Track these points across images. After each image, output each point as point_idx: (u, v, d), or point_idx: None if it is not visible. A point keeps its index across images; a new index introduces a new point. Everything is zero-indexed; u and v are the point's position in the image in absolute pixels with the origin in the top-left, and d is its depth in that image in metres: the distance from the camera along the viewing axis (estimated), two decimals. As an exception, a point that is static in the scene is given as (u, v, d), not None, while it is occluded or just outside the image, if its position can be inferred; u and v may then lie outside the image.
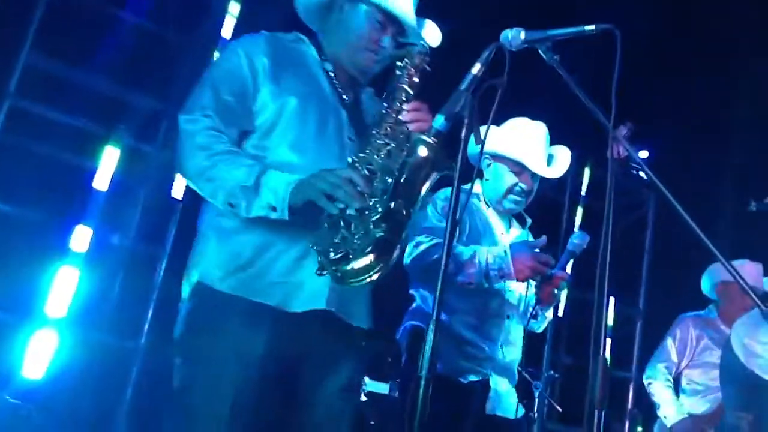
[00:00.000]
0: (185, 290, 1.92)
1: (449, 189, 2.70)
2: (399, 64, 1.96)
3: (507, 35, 1.88)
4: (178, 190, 4.14)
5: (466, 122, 1.71)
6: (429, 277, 2.52)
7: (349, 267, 1.73)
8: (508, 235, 2.81)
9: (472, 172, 1.73)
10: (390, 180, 1.78)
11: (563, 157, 2.82)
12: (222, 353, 1.79)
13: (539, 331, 2.85)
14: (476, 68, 1.76)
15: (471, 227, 2.72)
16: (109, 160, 3.83)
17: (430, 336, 1.60)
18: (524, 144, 2.74)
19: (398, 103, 1.90)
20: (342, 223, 1.77)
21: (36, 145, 3.73)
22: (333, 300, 1.86)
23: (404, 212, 1.77)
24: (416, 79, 1.93)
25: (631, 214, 6.55)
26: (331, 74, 2.04)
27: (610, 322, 5.84)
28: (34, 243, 3.60)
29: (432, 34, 2.13)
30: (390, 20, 2.03)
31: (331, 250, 1.75)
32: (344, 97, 2.04)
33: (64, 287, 3.60)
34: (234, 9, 4.25)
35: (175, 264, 4.01)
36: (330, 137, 1.95)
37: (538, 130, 2.78)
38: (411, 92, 1.91)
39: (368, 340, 2.00)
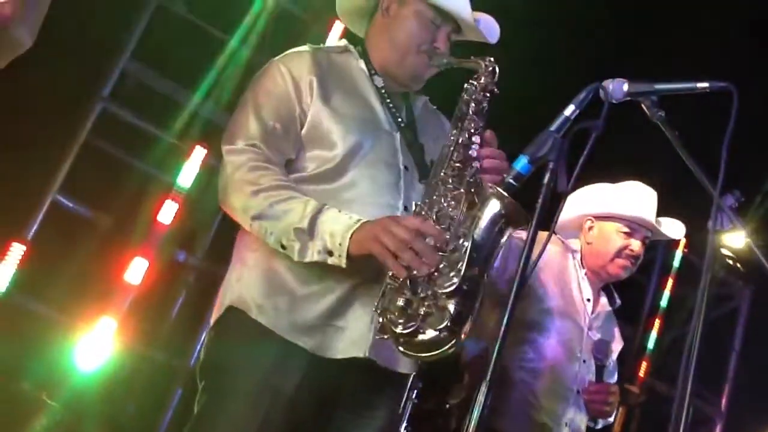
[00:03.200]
0: (215, 315, 1.78)
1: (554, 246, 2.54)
2: (465, 86, 1.76)
3: (608, 85, 1.72)
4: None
5: (551, 167, 1.55)
6: None
7: (416, 340, 1.56)
8: (591, 303, 2.58)
9: (550, 222, 1.54)
10: (466, 244, 1.57)
11: (675, 226, 2.62)
12: (250, 388, 1.65)
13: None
14: (570, 110, 1.60)
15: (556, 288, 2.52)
16: (188, 176, 3.83)
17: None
18: (639, 203, 2.56)
19: (467, 135, 1.71)
20: (408, 283, 1.58)
21: (119, 151, 3.76)
22: (375, 347, 1.69)
23: (480, 280, 1.58)
24: (485, 105, 1.74)
25: (721, 306, 6.14)
26: (383, 91, 1.86)
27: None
28: (102, 247, 3.60)
29: (491, 31, 1.91)
30: (444, 18, 1.83)
31: (397, 318, 1.56)
32: (398, 117, 1.85)
33: (122, 296, 3.56)
34: (331, 41, 4.23)
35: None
36: (383, 165, 1.77)
37: (652, 193, 2.60)
38: (480, 123, 1.73)
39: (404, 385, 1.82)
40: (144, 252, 3.60)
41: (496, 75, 1.76)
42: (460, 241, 1.59)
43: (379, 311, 1.60)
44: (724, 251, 5.84)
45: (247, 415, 1.64)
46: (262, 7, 4.02)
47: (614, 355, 2.68)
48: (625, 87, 1.72)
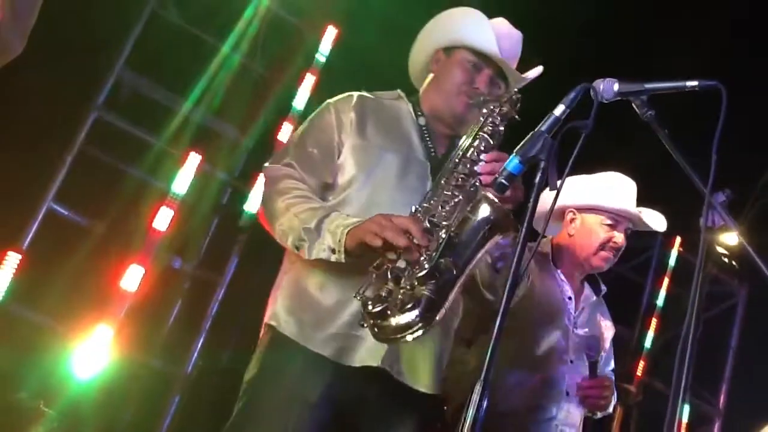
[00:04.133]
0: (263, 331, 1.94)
1: None
2: (484, 110, 1.86)
3: (599, 85, 1.73)
4: (246, 221, 4.10)
5: (543, 166, 1.56)
6: None
7: (387, 323, 1.63)
8: (574, 301, 2.59)
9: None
10: (443, 234, 1.67)
11: (656, 217, 2.62)
12: (281, 395, 1.78)
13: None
14: (559, 110, 1.61)
15: (537, 288, 2.52)
16: (183, 183, 3.82)
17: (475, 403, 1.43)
18: (622, 195, 2.56)
19: (476, 153, 1.80)
20: (389, 275, 1.67)
21: (114, 159, 3.76)
22: (390, 358, 1.80)
23: (454, 271, 1.65)
24: (501, 128, 1.83)
25: (718, 305, 6.15)
26: (424, 128, 2.01)
27: (686, 418, 5.41)
28: (97, 255, 3.60)
29: (534, 73, 2.05)
30: (486, 62, 1.98)
31: (370, 302, 1.65)
32: (432, 149, 1.99)
33: (118, 304, 3.56)
34: (324, 47, 4.25)
35: (231, 294, 3.95)
36: (409, 190, 1.89)
37: (632, 185, 2.61)
38: (492, 142, 1.81)
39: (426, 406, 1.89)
40: (140, 259, 3.60)
41: (518, 105, 1.86)
42: (439, 232, 1.67)
43: (356, 296, 1.69)
44: (720, 249, 5.87)
45: (273, 424, 1.77)
46: (254, 13, 4.03)
47: (607, 343, 2.67)
48: (616, 87, 1.73)
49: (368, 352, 1.79)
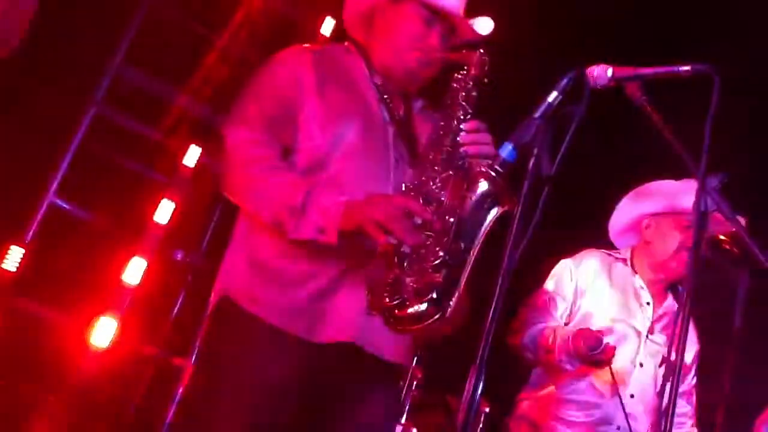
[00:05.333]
0: (211, 303, 1.80)
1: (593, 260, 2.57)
2: (456, 75, 1.80)
3: (593, 71, 1.75)
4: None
5: (536, 152, 1.57)
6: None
7: (403, 314, 1.60)
8: (653, 306, 2.63)
9: (535, 210, 1.56)
10: (451, 219, 1.63)
11: None
12: (243, 379, 1.67)
13: None
14: (552, 96, 1.62)
15: (610, 299, 2.55)
16: (183, 175, 3.85)
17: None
18: (688, 191, 2.49)
19: (455, 122, 1.75)
20: (396, 260, 1.63)
21: (115, 154, 3.78)
22: (363, 333, 1.71)
23: (465, 255, 1.63)
24: (474, 93, 1.78)
25: (717, 293, 6.13)
26: (380, 87, 1.91)
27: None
28: (100, 248, 3.62)
29: (484, 28, 1.95)
30: (437, 17, 1.88)
31: (386, 294, 1.60)
32: (393, 110, 1.90)
33: (121, 296, 3.59)
34: (322, 38, 4.25)
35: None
36: (374, 156, 1.81)
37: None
38: (469, 110, 1.76)
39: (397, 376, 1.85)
40: (142, 252, 3.63)
41: (487, 66, 1.80)
42: (447, 218, 1.64)
43: (368, 286, 1.64)
44: (721, 236, 5.86)
45: (235, 412, 1.65)
46: (251, 5, 4.03)
47: (688, 357, 2.68)
48: (609, 72, 1.75)
49: (339, 328, 1.70)
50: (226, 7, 4.05)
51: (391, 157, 1.84)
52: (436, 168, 1.72)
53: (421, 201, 1.68)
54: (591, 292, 2.58)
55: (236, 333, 1.72)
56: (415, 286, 1.59)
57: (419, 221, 1.61)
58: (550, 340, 2.45)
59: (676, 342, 1.70)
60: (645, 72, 1.78)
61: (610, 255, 2.67)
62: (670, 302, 2.67)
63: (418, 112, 2.01)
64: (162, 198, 3.72)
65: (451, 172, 1.71)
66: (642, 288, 2.60)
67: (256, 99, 1.83)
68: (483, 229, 1.66)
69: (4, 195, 3.37)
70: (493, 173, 1.62)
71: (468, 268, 1.63)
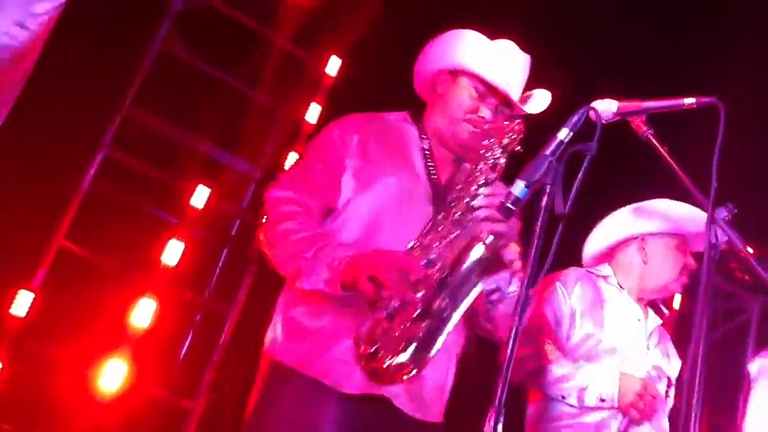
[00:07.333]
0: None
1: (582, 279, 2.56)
2: (485, 142, 1.86)
3: (598, 106, 1.76)
4: (255, 252, 4.12)
5: (548, 190, 1.58)
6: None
7: (379, 365, 1.66)
8: (645, 322, 2.58)
9: (546, 255, 1.56)
10: (444, 275, 1.70)
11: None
12: (280, 425, 1.77)
13: None
14: (563, 133, 1.63)
15: (607, 317, 2.51)
16: (191, 217, 3.86)
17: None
18: (694, 215, 2.43)
19: (475, 187, 1.80)
20: (385, 314, 1.69)
21: (124, 195, 3.79)
22: (393, 387, 1.76)
23: (448, 311, 1.68)
24: (502, 161, 1.83)
25: (730, 321, 6.08)
26: (427, 152, 2.00)
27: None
28: (109, 290, 3.62)
29: (539, 104, 2.03)
30: (491, 91, 1.97)
31: (362, 342, 1.66)
32: (434, 173, 1.97)
33: (131, 338, 3.57)
34: (329, 77, 4.29)
35: (242, 326, 3.96)
36: (410, 216, 1.88)
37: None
38: (492, 176, 1.81)
39: None
40: (151, 293, 3.62)
41: (521, 136, 1.85)
42: (440, 275, 1.70)
43: (354, 337, 1.70)
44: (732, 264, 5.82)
45: None
46: (259, 46, 4.09)
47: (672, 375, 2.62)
48: (614, 107, 1.76)
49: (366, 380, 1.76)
50: (234, 47, 4.10)
51: (423, 217, 1.88)
52: (444, 228, 1.78)
53: (423, 259, 1.74)
54: (588, 311, 2.53)
55: (275, 383, 1.83)
56: (395, 338, 1.65)
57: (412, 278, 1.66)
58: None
59: (692, 364, 1.68)
60: (650, 105, 1.79)
61: (591, 273, 2.64)
62: (653, 318, 2.63)
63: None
64: (170, 238, 3.72)
65: (458, 233, 1.77)
66: (630, 304, 2.58)
67: (302, 161, 2.01)
68: (472, 290, 1.71)
69: (14, 238, 3.38)
70: (488, 241, 1.69)
71: (451, 324, 1.68)
